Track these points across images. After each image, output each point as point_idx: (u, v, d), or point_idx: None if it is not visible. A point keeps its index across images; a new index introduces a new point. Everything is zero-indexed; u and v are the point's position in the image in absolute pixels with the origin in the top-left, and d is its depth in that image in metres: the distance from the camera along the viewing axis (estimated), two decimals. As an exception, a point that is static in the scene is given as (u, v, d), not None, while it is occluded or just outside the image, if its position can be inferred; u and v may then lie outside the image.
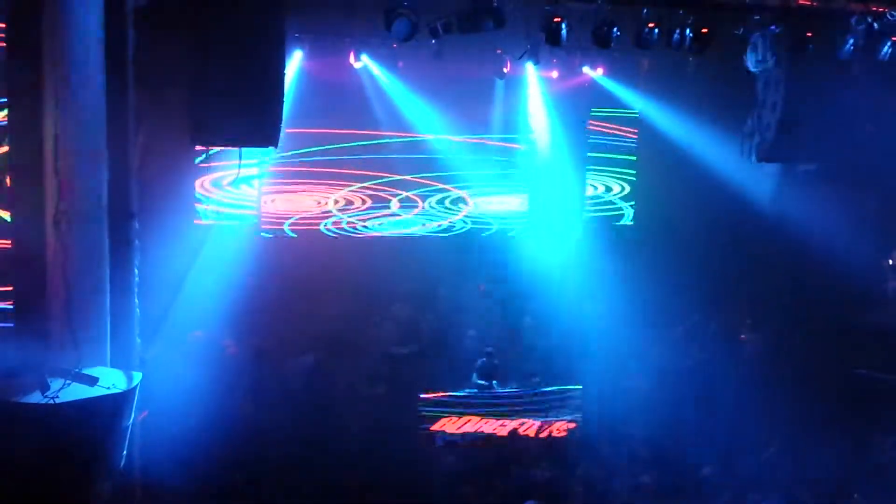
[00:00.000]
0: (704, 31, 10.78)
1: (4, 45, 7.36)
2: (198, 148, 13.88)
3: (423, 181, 16.62)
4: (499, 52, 14.82)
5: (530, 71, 15.49)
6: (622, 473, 11.30)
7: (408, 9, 9.93)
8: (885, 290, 15.29)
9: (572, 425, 13.41)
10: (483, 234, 17.11)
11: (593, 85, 16.40)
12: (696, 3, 10.62)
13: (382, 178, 16.30)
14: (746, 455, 11.94)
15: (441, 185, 16.78)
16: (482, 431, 13.11)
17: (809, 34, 11.00)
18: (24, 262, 7.37)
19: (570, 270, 16.67)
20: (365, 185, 16.30)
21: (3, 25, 7.43)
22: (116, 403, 6.90)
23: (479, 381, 13.73)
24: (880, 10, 10.92)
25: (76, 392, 6.78)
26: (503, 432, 13.19)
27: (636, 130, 17.34)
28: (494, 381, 13.72)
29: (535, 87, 16.21)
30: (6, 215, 7.47)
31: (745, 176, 15.00)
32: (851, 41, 11.04)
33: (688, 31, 10.82)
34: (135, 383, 7.28)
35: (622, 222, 17.78)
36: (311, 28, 13.68)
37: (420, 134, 15.87)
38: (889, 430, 12.41)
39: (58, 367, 7.06)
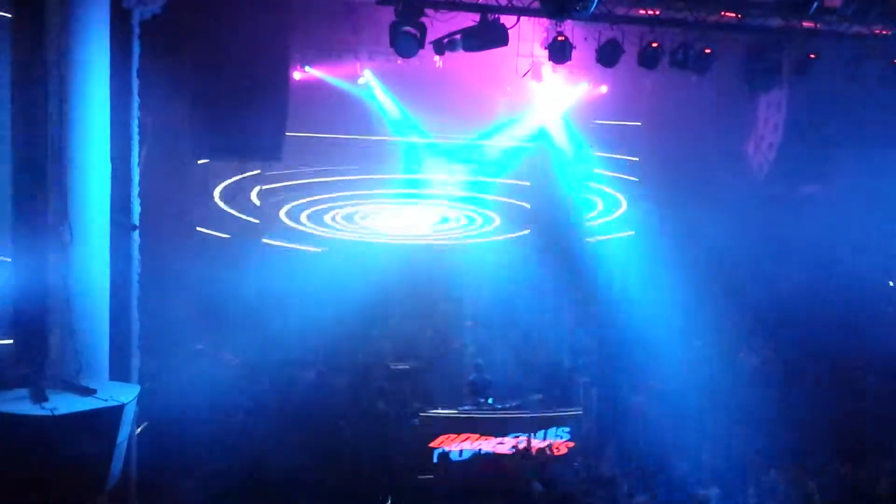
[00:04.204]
0: (707, 51, 10.80)
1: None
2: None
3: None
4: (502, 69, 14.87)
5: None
6: (620, 491, 11.24)
7: (412, 26, 9.97)
8: (887, 311, 15.23)
9: (571, 444, 13.35)
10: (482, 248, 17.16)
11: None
12: (700, 23, 10.64)
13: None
14: (746, 478, 11.86)
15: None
16: (481, 448, 13.04)
17: (812, 56, 11.02)
18: (25, 274, 7.38)
19: (568, 285, 16.66)
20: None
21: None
22: (114, 415, 6.90)
23: (474, 397, 13.67)
24: (883, 31, 10.94)
25: (75, 404, 6.79)
26: (503, 449, 13.11)
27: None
28: (490, 399, 13.64)
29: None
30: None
31: (746, 197, 14.97)
32: None
33: (691, 50, 10.84)
34: (133, 396, 7.29)
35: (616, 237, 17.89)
36: (315, 44, 13.76)
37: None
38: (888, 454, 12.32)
39: (57, 378, 7.07)
